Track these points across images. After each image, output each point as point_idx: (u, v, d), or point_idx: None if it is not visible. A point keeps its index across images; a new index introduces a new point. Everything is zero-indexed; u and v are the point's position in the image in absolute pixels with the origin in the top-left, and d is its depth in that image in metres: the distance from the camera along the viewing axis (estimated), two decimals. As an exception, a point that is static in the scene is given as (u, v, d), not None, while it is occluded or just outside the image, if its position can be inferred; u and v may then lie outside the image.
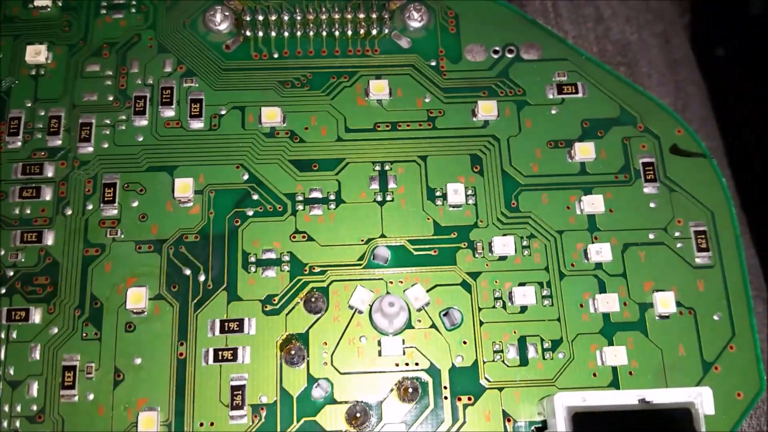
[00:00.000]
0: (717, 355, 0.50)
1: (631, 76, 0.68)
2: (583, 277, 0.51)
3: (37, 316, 0.50)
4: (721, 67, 0.98)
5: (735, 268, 0.52)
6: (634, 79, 0.68)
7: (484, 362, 0.49)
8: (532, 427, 0.48)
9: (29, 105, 0.54)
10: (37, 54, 0.55)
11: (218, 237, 0.51)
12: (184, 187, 0.52)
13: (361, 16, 0.56)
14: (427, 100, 0.55)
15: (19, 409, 0.48)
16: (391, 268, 0.51)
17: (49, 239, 0.51)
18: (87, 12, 0.57)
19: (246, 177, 0.53)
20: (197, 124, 0.54)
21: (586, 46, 0.68)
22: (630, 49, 0.70)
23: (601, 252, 0.51)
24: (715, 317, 0.51)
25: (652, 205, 0.53)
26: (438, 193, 0.53)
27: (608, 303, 0.50)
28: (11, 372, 0.49)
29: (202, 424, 0.48)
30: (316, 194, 0.52)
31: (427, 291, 0.50)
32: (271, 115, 0.54)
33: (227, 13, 0.56)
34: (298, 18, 0.56)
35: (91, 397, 0.48)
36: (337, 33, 0.56)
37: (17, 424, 0.48)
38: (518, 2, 0.69)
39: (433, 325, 0.50)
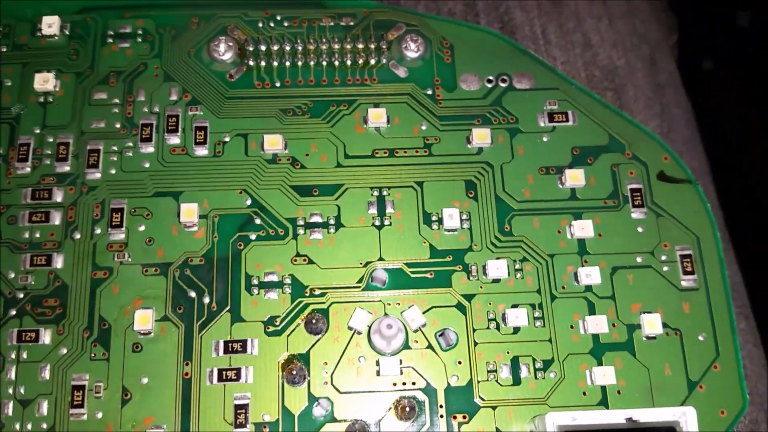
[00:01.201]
0: (702, 375, 0.52)
1: (618, 100, 0.70)
2: (573, 299, 0.53)
3: (47, 337, 0.51)
4: (707, 84, 1.00)
5: (719, 290, 0.53)
6: (621, 103, 0.70)
7: (478, 381, 0.51)
8: (525, 445, 0.50)
9: (38, 131, 0.56)
10: (45, 81, 0.56)
11: (222, 260, 0.53)
12: (189, 212, 0.53)
13: (360, 46, 0.58)
14: (423, 128, 0.57)
15: (29, 427, 0.49)
16: (389, 290, 0.53)
17: (59, 262, 0.53)
18: (94, 41, 0.58)
19: (249, 202, 0.54)
20: (202, 151, 0.55)
21: (575, 71, 0.70)
22: (617, 73, 0.72)
23: (590, 275, 0.53)
24: (700, 338, 0.52)
25: (639, 229, 0.55)
26: (434, 218, 0.54)
27: (597, 324, 0.52)
28: (22, 391, 0.50)
29: (207, 442, 0.49)
30: (317, 219, 0.54)
31: (424, 312, 0.52)
32: (273, 142, 0.55)
33: (231, 44, 0.58)
34: (299, 48, 0.58)
35: (100, 415, 0.50)
36: (336, 63, 0.58)
37: (28, 441, 0.49)
38: (509, 29, 0.71)
39: (429, 346, 0.52)
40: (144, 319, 0.51)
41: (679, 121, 0.75)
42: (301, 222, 0.54)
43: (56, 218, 0.54)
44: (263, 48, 0.58)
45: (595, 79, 0.70)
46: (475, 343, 0.52)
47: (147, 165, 0.55)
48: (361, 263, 0.53)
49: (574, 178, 0.55)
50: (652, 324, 0.52)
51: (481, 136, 0.56)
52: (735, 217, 0.78)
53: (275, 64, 0.58)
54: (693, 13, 0.97)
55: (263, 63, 0.58)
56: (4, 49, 0.58)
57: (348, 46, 0.58)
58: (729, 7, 1.01)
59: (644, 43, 0.76)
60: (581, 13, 0.73)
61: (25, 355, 0.51)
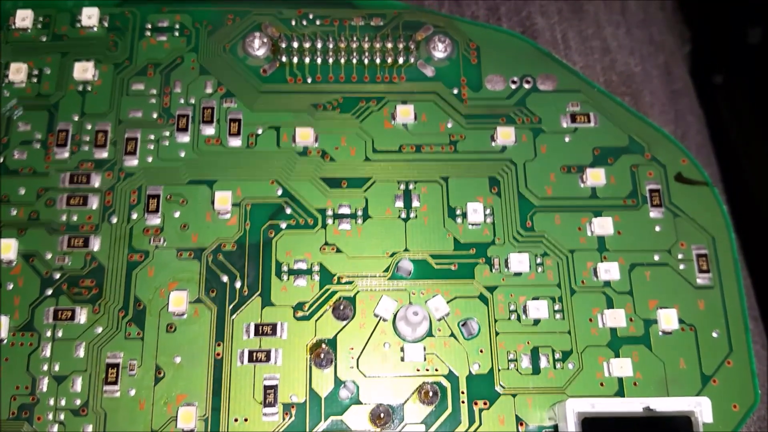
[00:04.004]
0: (715, 370, 0.53)
1: (634, 105, 0.71)
2: (592, 293, 0.54)
3: (82, 316, 0.53)
4: (719, 95, 1.01)
5: (733, 289, 0.55)
6: (637, 108, 0.71)
7: (499, 370, 0.53)
8: (543, 432, 0.52)
9: (76, 119, 0.57)
10: (84, 71, 0.58)
11: (254, 247, 0.55)
12: (223, 199, 0.55)
13: (389, 45, 0.60)
14: (449, 125, 0.59)
15: (63, 402, 0.51)
16: (414, 280, 0.55)
17: (96, 245, 0.54)
18: (132, 33, 0.60)
19: (280, 192, 0.56)
20: (235, 142, 0.57)
21: (593, 76, 0.71)
22: (634, 79, 0.73)
23: (609, 271, 0.55)
24: (714, 334, 0.54)
25: (657, 228, 0.56)
26: (458, 212, 0.56)
27: (615, 318, 0.54)
28: (56, 368, 0.52)
29: (236, 420, 0.51)
30: (345, 210, 0.56)
31: (447, 302, 0.54)
32: (305, 135, 0.57)
33: (265, 40, 0.59)
34: (331, 46, 0.59)
35: (133, 392, 0.51)
36: (366, 61, 0.60)
37: (62, 416, 0.51)
38: (530, 33, 0.72)
39: (452, 335, 0.53)
40: (178, 301, 0.53)
41: (692, 128, 0.76)
42: (330, 212, 0.56)
43: (94, 202, 0.55)
44: (296, 45, 0.60)
45: (613, 84, 0.72)
46: (497, 333, 0.53)
47: (183, 154, 0.57)
48: (387, 253, 0.55)
49: (595, 177, 0.57)
50: (668, 319, 0.54)
51: (505, 135, 0.58)
52: (744, 224, 0.79)
53: (307, 60, 0.60)
54: (705, 27, 0.98)
55: (296, 59, 0.60)
56: (44, 39, 0.60)
57: (377, 45, 0.60)
58: (740, 23, 1.02)
59: (660, 52, 0.78)
60: (600, 20, 0.75)
61: (60, 334, 0.52)
